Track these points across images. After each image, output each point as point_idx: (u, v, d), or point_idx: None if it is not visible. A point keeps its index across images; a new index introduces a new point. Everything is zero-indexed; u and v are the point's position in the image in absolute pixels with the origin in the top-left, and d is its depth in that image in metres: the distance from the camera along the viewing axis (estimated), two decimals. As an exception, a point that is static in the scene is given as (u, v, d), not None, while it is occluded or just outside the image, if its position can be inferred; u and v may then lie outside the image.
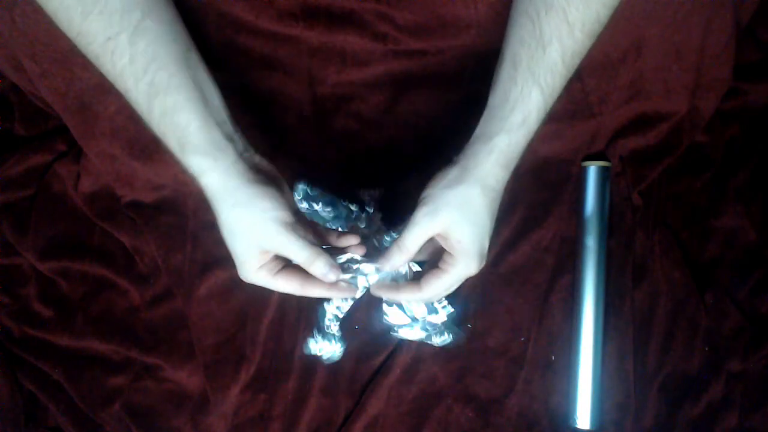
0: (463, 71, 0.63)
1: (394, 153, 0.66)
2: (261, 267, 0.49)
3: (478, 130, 0.49)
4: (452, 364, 0.63)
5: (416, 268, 0.56)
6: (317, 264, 0.48)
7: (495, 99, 0.49)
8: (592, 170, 0.64)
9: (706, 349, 0.64)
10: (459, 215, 0.47)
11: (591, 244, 0.63)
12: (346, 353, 0.64)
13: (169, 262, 0.66)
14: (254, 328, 0.64)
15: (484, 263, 0.49)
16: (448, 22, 0.59)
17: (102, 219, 0.69)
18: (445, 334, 0.57)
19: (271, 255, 0.49)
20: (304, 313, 0.65)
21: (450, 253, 0.48)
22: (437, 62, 0.63)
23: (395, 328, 0.57)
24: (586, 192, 0.64)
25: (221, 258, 0.66)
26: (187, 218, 0.67)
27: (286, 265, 0.51)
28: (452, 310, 0.56)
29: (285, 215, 0.47)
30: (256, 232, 0.46)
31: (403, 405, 0.63)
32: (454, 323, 0.58)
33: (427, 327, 0.56)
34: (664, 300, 0.65)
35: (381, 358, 0.64)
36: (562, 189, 0.66)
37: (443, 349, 0.63)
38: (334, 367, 0.64)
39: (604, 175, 0.64)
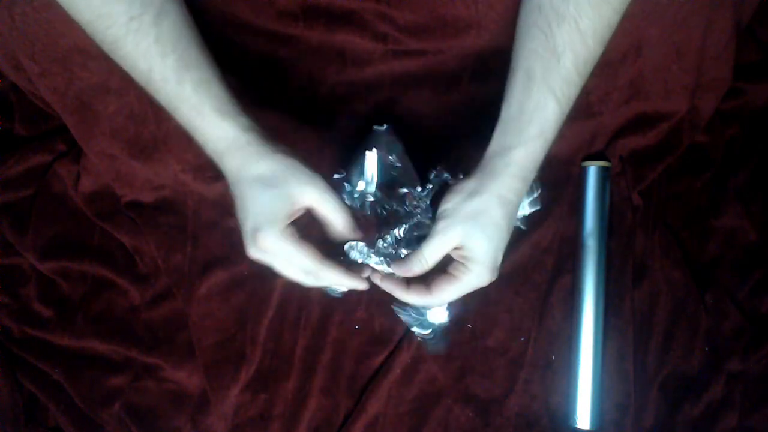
0: (463, 71, 0.63)
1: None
2: (288, 227, 0.46)
3: (495, 143, 0.49)
4: (452, 364, 0.63)
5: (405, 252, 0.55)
6: (347, 216, 0.48)
7: (510, 111, 0.48)
8: (592, 170, 0.64)
9: (706, 349, 0.64)
10: (475, 227, 0.47)
11: (591, 244, 0.63)
12: (346, 353, 0.64)
13: (169, 262, 0.66)
14: (254, 328, 0.64)
15: (496, 275, 0.49)
16: (448, 22, 0.59)
17: (102, 219, 0.69)
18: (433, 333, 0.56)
19: (298, 212, 0.48)
20: (304, 313, 0.65)
21: (463, 263, 0.48)
22: (437, 62, 0.63)
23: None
24: (586, 192, 0.64)
25: (221, 258, 0.66)
26: (187, 218, 0.67)
27: (305, 235, 0.49)
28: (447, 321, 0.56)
29: (313, 168, 0.48)
30: (299, 173, 0.46)
31: (403, 405, 0.63)
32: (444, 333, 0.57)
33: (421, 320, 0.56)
34: (664, 300, 0.65)
35: (381, 358, 0.64)
36: (562, 189, 0.66)
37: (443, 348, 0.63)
38: (334, 366, 0.64)
39: (604, 175, 0.64)
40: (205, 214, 0.67)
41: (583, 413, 0.61)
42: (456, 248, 0.49)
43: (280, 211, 0.46)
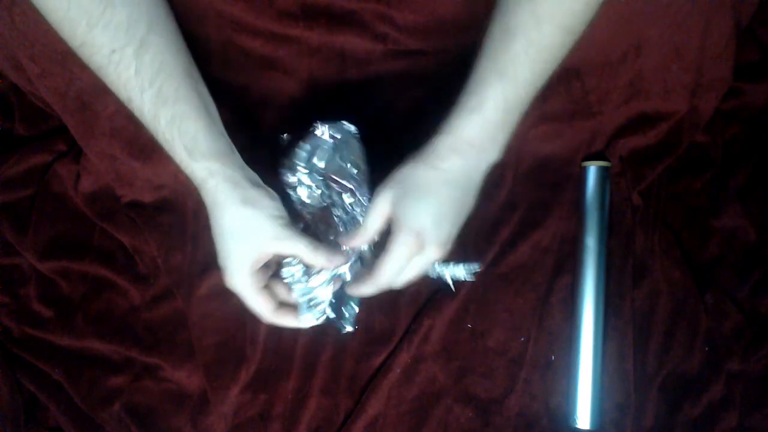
0: (463, 72, 0.63)
1: (394, 153, 0.66)
2: (253, 274, 0.49)
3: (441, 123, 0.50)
4: (452, 364, 0.63)
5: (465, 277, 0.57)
6: (320, 251, 0.49)
7: (461, 91, 0.49)
8: (592, 170, 0.64)
9: (706, 349, 0.64)
10: (402, 191, 0.48)
11: (591, 244, 0.63)
12: (346, 353, 0.64)
13: (169, 262, 0.66)
14: (254, 328, 0.64)
15: (440, 250, 0.48)
16: (448, 22, 0.59)
17: (102, 219, 0.69)
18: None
19: (265, 260, 0.49)
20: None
21: (394, 233, 0.48)
22: (437, 62, 0.63)
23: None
24: (586, 192, 0.64)
25: (221, 258, 0.66)
26: (187, 218, 0.67)
27: (266, 286, 0.52)
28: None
29: (286, 215, 0.50)
30: (263, 229, 0.48)
31: (403, 405, 0.63)
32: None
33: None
34: (664, 300, 0.65)
35: (381, 358, 0.64)
36: (562, 189, 0.66)
37: (443, 349, 0.63)
38: (334, 366, 0.64)
39: (604, 175, 0.64)
40: (205, 214, 0.66)
41: (583, 413, 0.61)
42: (392, 220, 0.48)
43: (246, 261, 0.48)
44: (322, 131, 0.55)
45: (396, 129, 0.65)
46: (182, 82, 0.47)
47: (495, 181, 0.65)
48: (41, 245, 0.69)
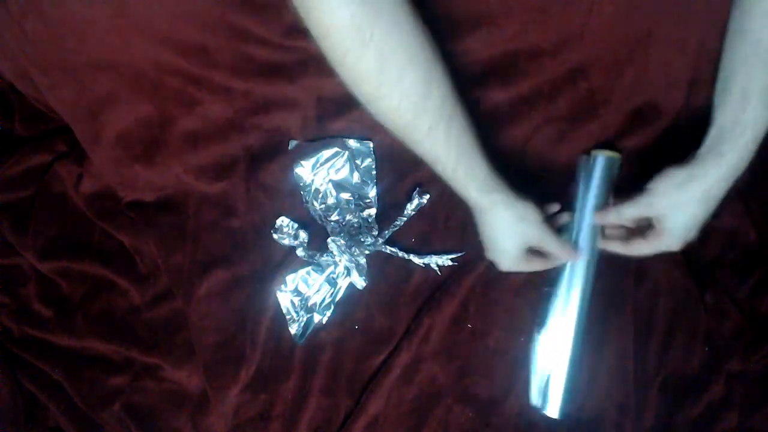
0: (465, 78, 0.63)
1: (394, 156, 0.66)
2: (519, 254, 0.58)
3: (709, 143, 0.53)
4: (452, 364, 0.63)
5: (448, 263, 0.65)
6: (566, 248, 0.60)
7: (725, 119, 0.53)
8: (600, 160, 0.61)
9: (706, 349, 0.64)
10: (677, 215, 0.55)
11: (591, 243, 0.62)
12: (346, 353, 0.64)
13: (169, 262, 0.66)
14: (254, 328, 0.64)
15: (682, 246, 0.56)
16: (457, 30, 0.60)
17: (102, 219, 0.69)
18: None
19: (528, 244, 0.58)
20: (304, 313, 0.65)
21: (656, 231, 0.56)
22: None
23: None
24: (591, 182, 0.61)
25: (221, 258, 0.66)
26: (187, 218, 0.67)
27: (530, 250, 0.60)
28: None
29: (544, 217, 0.58)
30: (532, 234, 0.58)
31: (403, 405, 0.63)
32: None
33: None
34: (664, 300, 0.65)
35: (381, 358, 0.64)
36: (563, 189, 0.65)
37: (443, 349, 0.63)
38: (334, 367, 0.64)
39: (612, 166, 0.61)
40: (205, 214, 0.67)
41: (554, 400, 0.59)
42: (656, 219, 0.55)
43: (520, 253, 0.58)
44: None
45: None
46: (471, 139, 0.53)
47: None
48: (41, 245, 0.69)
